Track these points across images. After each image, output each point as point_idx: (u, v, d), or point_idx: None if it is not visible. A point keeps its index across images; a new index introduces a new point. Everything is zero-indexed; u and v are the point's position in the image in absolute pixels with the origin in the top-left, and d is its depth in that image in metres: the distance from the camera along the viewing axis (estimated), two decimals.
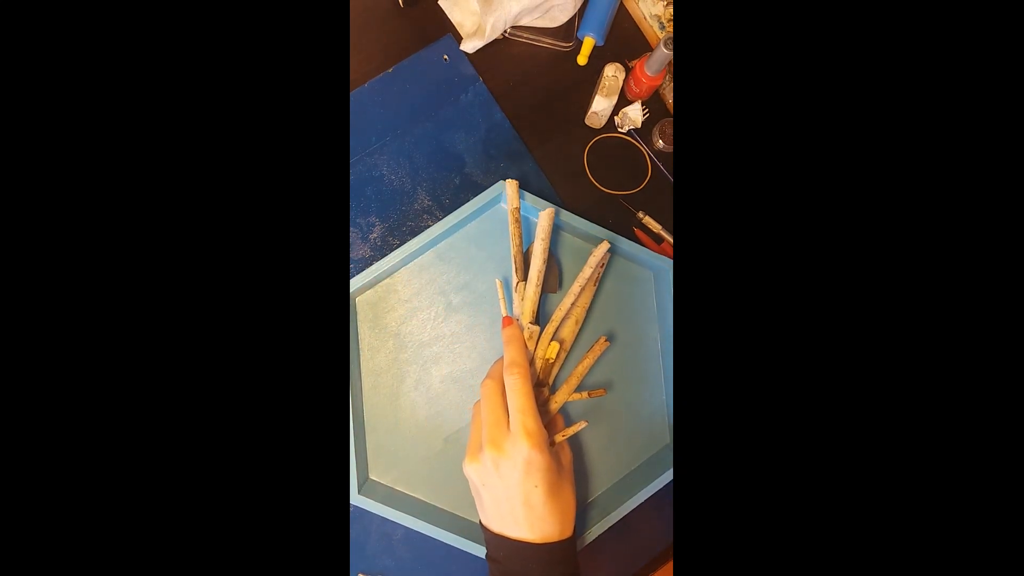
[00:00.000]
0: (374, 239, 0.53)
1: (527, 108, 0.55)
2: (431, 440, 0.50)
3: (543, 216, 0.46)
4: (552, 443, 0.41)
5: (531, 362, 0.45)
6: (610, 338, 0.52)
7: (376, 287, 0.51)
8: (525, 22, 0.55)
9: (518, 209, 0.48)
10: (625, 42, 0.57)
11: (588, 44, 0.55)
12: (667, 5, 0.56)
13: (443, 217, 0.51)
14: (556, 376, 0.49)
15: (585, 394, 0.47)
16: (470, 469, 0.39)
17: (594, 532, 0.46)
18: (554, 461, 0.38)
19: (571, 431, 0.43)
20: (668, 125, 0.54)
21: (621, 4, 0.57)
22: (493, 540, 0.38)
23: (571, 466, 0.42)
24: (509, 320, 0.45)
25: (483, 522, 0.40)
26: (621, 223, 0.54)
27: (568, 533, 0.38)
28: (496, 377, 0.41)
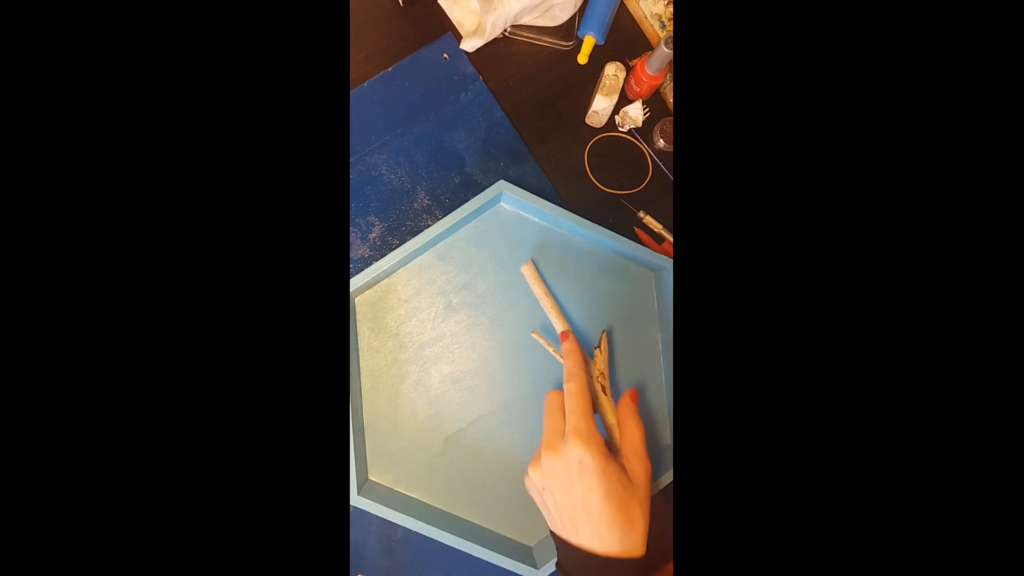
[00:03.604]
0: (374, 239, 0.52)
1: (527, 107, 0.55)
2: (431, 441, 0.50)
3: (527, 272, 0.51)
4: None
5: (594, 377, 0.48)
6: (610, 338, 0.52)
7: (376, 287, 0.51)
8: (525, 21, 0.54)
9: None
10: (626, 41, 0.56)
11: (588, 43, 0.55)
12: (668, 4, 0.56)
13: (443, 217, 0.51)
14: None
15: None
16: (531, 475, 0.39)
17: None
18: (614, 466, 0.37)
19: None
20: (669, 124, 0.53)
21: (622, 3, 0.57)
22: (562, 547, 0.37)
23: (646, 482, 0.38)
24: (566, 335, 0.46)
25: (551, 528, 0.39)
26: (622, 223, 0.54)
27: (638, 552, 0.35)
28: (553, 395, 0.42)
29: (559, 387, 0.50)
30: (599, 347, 0.50)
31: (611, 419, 0.47)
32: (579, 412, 0.39)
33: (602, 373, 0.49)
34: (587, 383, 0.41)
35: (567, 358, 0.43)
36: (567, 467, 0.37)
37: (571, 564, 0.36)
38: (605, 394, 0.48)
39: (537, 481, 0.39)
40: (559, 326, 0.50)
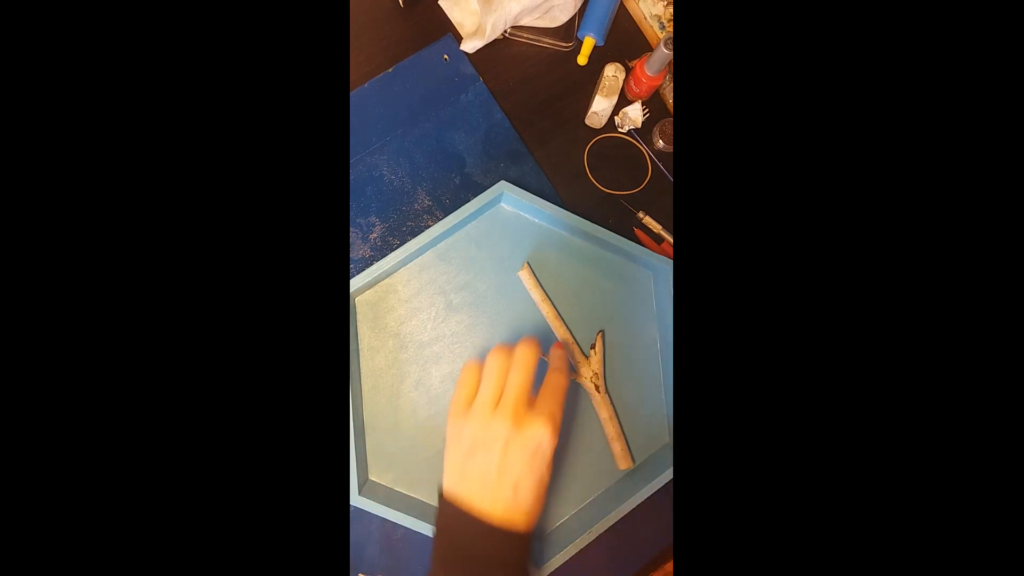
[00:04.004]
0: (374, 239, 0.53)
1: (527, 108, 0.55)
2: (431, 440, 0.50)
3: (525, 278, 0.51)
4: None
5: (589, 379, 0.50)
6: (610, 338, 0.52)
7: (376, 287, 0.51)
8: (525, 22, 0.55)
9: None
10: (625, 42, 0.57)
11: (588, 44, 0.55)
12: (667, 5, 0.56)
13: (443, 217, 0.51)
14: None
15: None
16: (470, 425, 0.38)
17: (594, 532, 0.46)
18: (551, 459, 0.39)
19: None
20: (668, 125, 0.53)
21: (621, 4, 0.57)
22: (452, 511, 0.37)
23: (553, 436, 0.39)
24: (560, 346, 0.45)
25: (448, 487, 0.38)
26: (621, 223, 0.54)
27: (530, 528, 0.38)
28: (529, 348, 0.40)
29: None
30: (594, 348, 0.50)
31: (603, 414, 0.50)
32: (558, 401, 0.39)
33: (596, 373, 0.50)
34: (568, 383, 0.42)
35: (559, 359, 0.43)
36: (523, 445, 0.37)
37: (458, 526, 0.37)
38: (599, 392, 0.49)
39: (476, 435, 0.37)
40: (558, 330, 0.50)
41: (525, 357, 0.39)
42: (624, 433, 0.50)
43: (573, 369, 0.50)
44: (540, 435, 0.37)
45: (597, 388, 0.50)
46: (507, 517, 0.36)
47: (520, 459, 0.37)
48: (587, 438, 0.50)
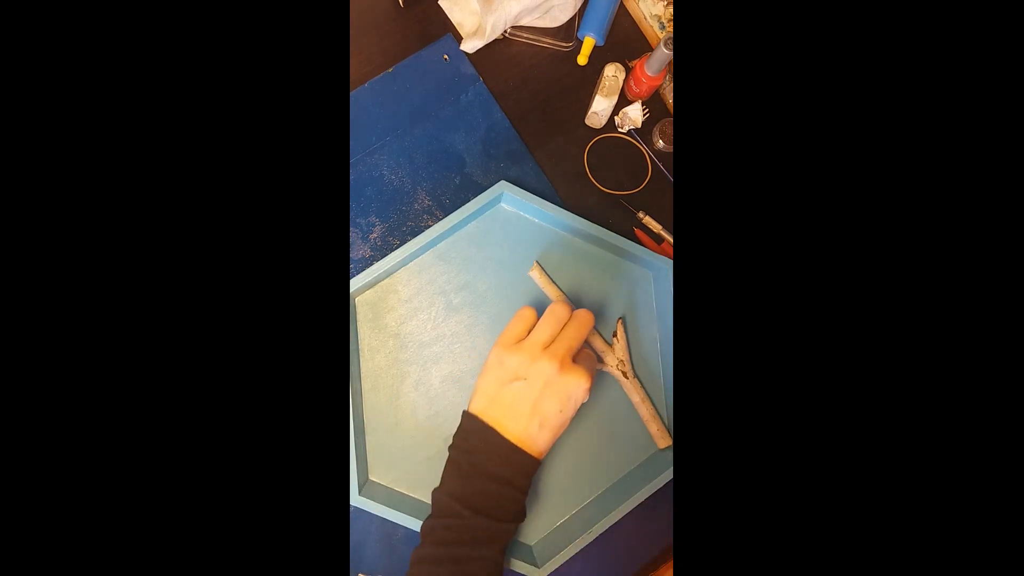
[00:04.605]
0: (374, 239, 0.52)
1: (527, 108, 0.55)
2: (431, 440, 0.50)
3: (536, 276, 0.51)
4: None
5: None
6: (610, 338, 0.52)
7: (376, 287, 0.51)
8: (525, 22, 0.55)
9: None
10: (625, 42, 0.57)
11: (588, 44, 0.55)
12: (667, 5, 0.56)
13: (443, 217, 0.51)
14: None
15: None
16: (517, 357, 0.40)
17: (595, 531, 0.46)
18: (572, 416, 0.42)
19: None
20: (668, 125, 0.53)
21: (621, 4, 0.57)
22: (477, 426, 0.40)
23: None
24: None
25: (477, 408, 0.41)
26: (621, 223, 0.54)
27: (542, 456, 0.41)
28: (590, 314, 0.43)
29: None
30: (616, 335, 0.50)
31: (635, 397, 0.50)
32: (593, 369, 0.43)
33: (622, 360, 0.50)
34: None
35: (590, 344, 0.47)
36: (562, 388, 0.40)
37: (475, 441, 0.40)
38: (628, 378, 0.49)
39: (521, 367, 0.40)
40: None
41: (585, 319, 0.42)
42: (659, 412, 0.51)
43: (599, 359, 0.50)
44: (577, 387, 0.40)
45: (625, 374, 0.50)
46: (525, 445, 0.39)
47: (554, 402, 0.39)
48: (587, 437, 0.50)
